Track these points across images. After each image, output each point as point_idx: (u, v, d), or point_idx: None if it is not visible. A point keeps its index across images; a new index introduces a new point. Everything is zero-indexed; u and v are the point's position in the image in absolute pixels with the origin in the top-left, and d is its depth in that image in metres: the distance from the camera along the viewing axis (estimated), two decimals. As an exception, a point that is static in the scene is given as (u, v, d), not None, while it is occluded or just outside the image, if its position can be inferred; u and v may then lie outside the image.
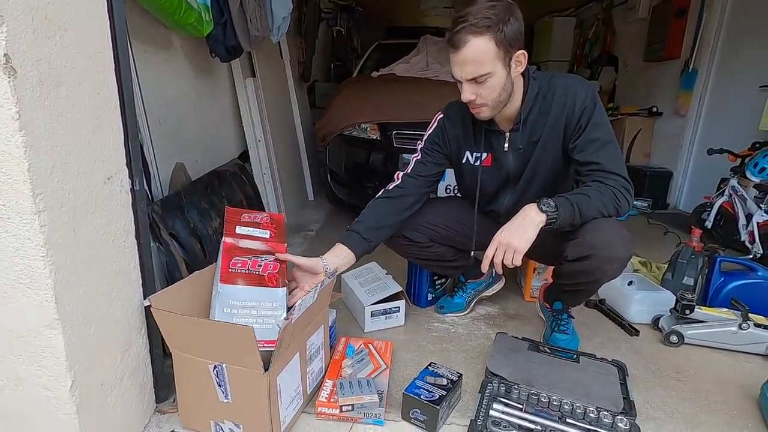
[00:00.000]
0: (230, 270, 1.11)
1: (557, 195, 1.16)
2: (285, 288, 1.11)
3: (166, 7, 1.42)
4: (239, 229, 1.18)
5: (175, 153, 1.84)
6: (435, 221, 1.48)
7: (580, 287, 1.32)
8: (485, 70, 1.12)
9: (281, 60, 3.19)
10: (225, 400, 1.01)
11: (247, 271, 1.11)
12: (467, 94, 1.17)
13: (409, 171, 1.42)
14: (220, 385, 1.00)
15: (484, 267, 1.19)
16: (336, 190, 2.83)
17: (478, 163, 1.38)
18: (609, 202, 1.15)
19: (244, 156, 2.58)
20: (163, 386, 1.16)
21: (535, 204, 1.14)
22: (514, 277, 1.98)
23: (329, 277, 1.21)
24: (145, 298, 1.06)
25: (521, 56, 1.16)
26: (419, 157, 1.43)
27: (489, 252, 1.15)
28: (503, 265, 1.15)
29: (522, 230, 1.12)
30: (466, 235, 1.51)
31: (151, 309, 0.98)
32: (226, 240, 1.15)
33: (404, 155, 2.45)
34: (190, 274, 1.34)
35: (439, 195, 1.73)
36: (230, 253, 1.13)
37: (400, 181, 1.41)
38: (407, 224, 1.45)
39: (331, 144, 2.73)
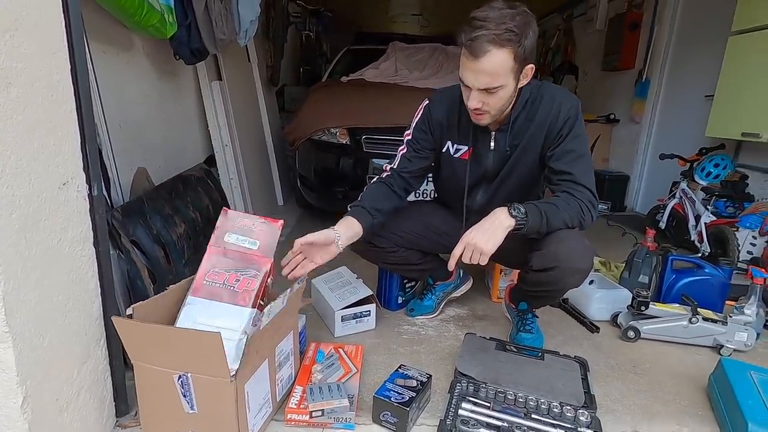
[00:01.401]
0: (205, 282, 1.09)
1: (527, 202, 1.19)
2: (255, 309, 1.08)
3: (126, 8, 1.38)
4: (228, 236, 1.15)
5: (137, 157, 1.78)
6: (399, 227, 1.49)
7: (544, 294, 1.37)
8: (499, 82, 1.12)
9: (249, 63, 3.14)
10: (190, 411, 0.98)
11: (221, 286, 1.09)
12: (475, 102, 1.17)
13: (397, 165, 1.43)
14: (185, 396, 0.97)
15: (451, 265, 1.22)
16: (306, 195, 2.81)
17: (457, 156, 1.39)
18: (575, 215, 1.20)
19: (211, 160, 2.52)
20: (124, 399, 1.11)
21: (506, 208, 1.16)
22: (481, 278, 2.02)
23: (338, 248, 1.25)
24: (104, 308, 1.02)
25: (530, 70, 1.17)
26: (405, 150, 1.42)
27: (456, 251, 1.17)
28: (470, 265, 1.18)
29: (491, 232, 1.14)
30: (432, 239, 1.53)
31: (113, 319, 0.95)
32: (211, 247, 1.13)
33: (374, 160, 2.47)
34: (153, 282, 1.31)
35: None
36: (211, 262, 1.12)
37: (388, 172, 1.43)
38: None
39: (300, 148, 2.71)
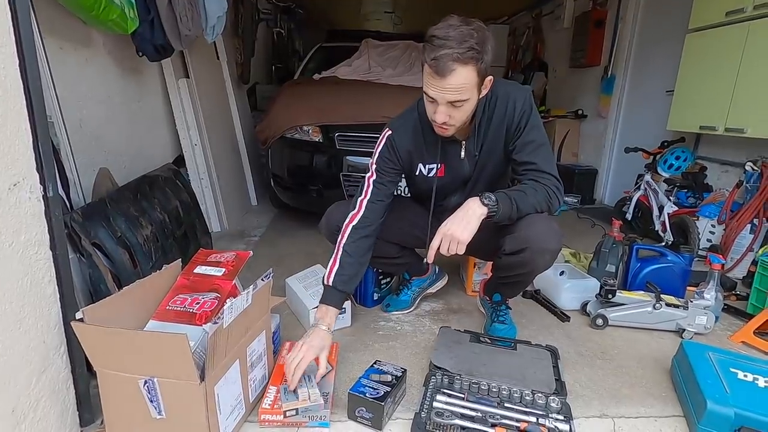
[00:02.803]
0: (167, 307, 1.13)
1: (497, 190, 1.23)
2: (208, 324, 1.05)
3: (82, 3, 1.33)
4: (198, 269, 1.23)
5: (99, 158, 1.72)
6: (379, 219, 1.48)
7: (517, 279, 1.40)
8: (465, 97, 1.15)
9: (218, 61, 3.08)
10: (158, 416, 0.95)
11: (182, 309, 1.12)
12: (442, 116, 1.19)
13: (369, 196, 1.36)
14: (152, 401, 0.94)
15: (430, 257, 1.24)
16: (279, 194, 2.77)
17: (431, 174, 1.41)
18: (542, 200, 1.25)
19: (179, 161, 2.46)
20: (89, 408, 1.07)
21: (478, 198, 1.20)
22: (456, 272, 2.04)
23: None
24: (64, 314, 0.98)
25: (488, 82, 1.20)
26: (374, 177, 1.38)
27: (434, 243, 1.20)
28: (448, 256, 1.20)
29: (465, 222, 1.18)
30: (410, 233, 1.54)
31: (72, 324, 0.91)
32: (180, 279, 1.21)
33: (348, 157, 2.45)
34: (118, 286, 1.27)
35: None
36: (177, 291, 1.17)
37: (363, 210, 1.35)
38: None
39: (273, 147, 2.67)
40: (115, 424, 1.00)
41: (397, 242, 1.57)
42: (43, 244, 0.92)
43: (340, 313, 1.55)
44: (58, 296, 0.97)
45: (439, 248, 1.20)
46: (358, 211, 1.35)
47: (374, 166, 1.40)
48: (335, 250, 1.34)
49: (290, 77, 3.99)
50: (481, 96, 1.22)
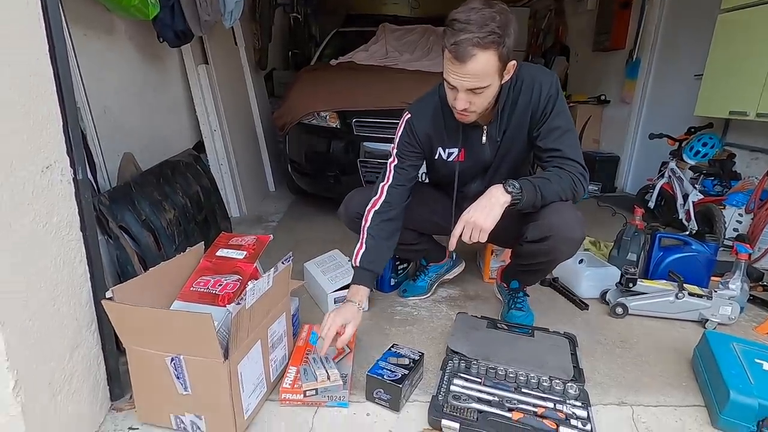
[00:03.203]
0: (191, 289, 1.16)
1: (521, 177, 1.21)
2: (231, 305, 1.10)
3: (105, -13, 1.34)
4: (220, 252, 1.25)
5: (122, 143, 1.76)
6: None
7: (538, 267, 1.39)
8: (486, 83, 1.13)
9: (236, 47, 3.08)
10: (184, 392, 0.99)
11: (205, 290, 1.15)
12: (462, 102, 1.17)
13: (390, 181, 1.37)
14: (178, 377, 0.98)
15: (452, 245, 1.23)
16: (297, 180, 2.79)
17: (451, 159, 1.39)
18: (567, 187, 1.22)
19: (199, 146, 2.50)
20: (119, 383, 1.12)
21: (501, 185, 1.18)
22: (473, 259, 2.04)
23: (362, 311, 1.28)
24: (94, 293, 1.02)
25: (512, 67, 1.16)
26: (396, 162, 1.39)
27: (457, 231, 1.19)
28: (470, 244, 1.20)
29: (488, 210, 1.16)
30: (429, 220, 1.54)
31: (102, 302, 0.95)
32: (203, 261, 1.23)
33: (365, 143, 2.45)
34: (144, 268, 1.31)
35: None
36: (200, 273, 1.20)
37: (385, 195, 1.35)
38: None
39: (290, 133, 2.68)
40: (144, 398, 1.05)
41: (415, 229, 1.57)
42: (74, 225, 0.96)
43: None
44: (89, 276, 1.01)
45: (461, 236, 1.19)
46: (380, 197, 1.36)
47: (395, 151, 1.39)
48: (360, 235, 1.35)
49: (307, 63, 3.98)
50: (503, 81, 1.19)
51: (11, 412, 0.80)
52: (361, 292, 1.30)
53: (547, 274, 1.51)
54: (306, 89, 2.70)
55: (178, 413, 1.02)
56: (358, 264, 1.33)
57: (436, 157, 1.41)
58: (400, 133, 1.39)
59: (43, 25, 0.87)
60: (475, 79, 1.11)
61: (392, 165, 1.39)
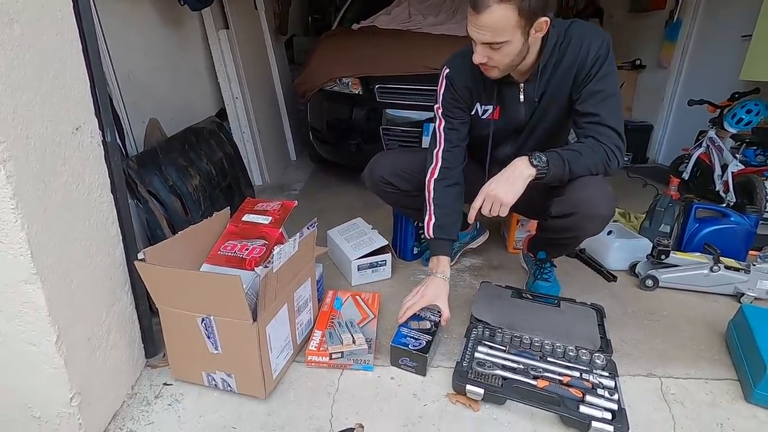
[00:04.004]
0: (219, 252, 1.17)
1: (549, 150, 1.15)
2: (259, 268, 1.09)
3: (125, -55, 1.31)
4: (246, 217, 1.26)
5: (147, 109, 1.76)
6: (421, 170, 1.45)
7: (564, 241, 1.34)
8: (503, 38, 1.06)
9: (256, 11, 3.01)
10: (215, 352, 1.02)
11: (232, 254, 1.16)
12: (479, 56, 1.12)
13: (443, 145, 1.33)
14: (209, 337, 1.00)
15: (471, 218, 1.20)
16: (318, 148, 2.77)
17: (485, 117, 1.33)
18: (600, 161, 1.15)
19: (222, 114, 2.49)
20: (152, 342, 1.16)
21: (527, 157, 1.13)
22: (497, 229, 2.01)
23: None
24: (126, 254, 1.04)
25: (543, 24, 1.08)
26: (444, 124, 1.34)
27: (476, 203, 1.16)
28: (490, 217, 1.16)
29: (510, 183, 1.12)
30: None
31: (135, 263, 0.97)
32: (229, 226, 1.24)
33: (388, 110, 2.39)
34: (173, 232, 1.33)
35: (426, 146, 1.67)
36: (227, 237, 1.21)
37: (441, 162, 1.33)
38: (393, 171, 1.45)
39: (311, 100, 2.65)
40: (177, 356, 1.09)
41: None
42: (105, 187, 0.97)
43: (380, 265, 1.58)
44: (121, 237, 1.03)
45: (480, 209, 1.15)
46: (437, 164, 1.33)
47: (440, 111, 1.34)
48: (427, 206, 1.33)
49: (327, 29, 3.86)
50: (531, 39, 1.11)
51: (55, 365, 0.84)
52: (443, 263, 1.30)
53: (574, 248, 1.46)
54: (327, 55, 2.63)
55: (210, 371, 1.06)
56: (432, 235, 1.31)
57: (472, 113, 1.35)
58: (441, 91, 1.34)
59: (67, -19, 0.85)
60: (491, 32, 1.06)
61: (441, 128, 1.34)
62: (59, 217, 0.82)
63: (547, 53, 1.18)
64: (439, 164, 1.33)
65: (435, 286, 1.25)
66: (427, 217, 1.33)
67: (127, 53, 1.67)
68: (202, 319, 0.99)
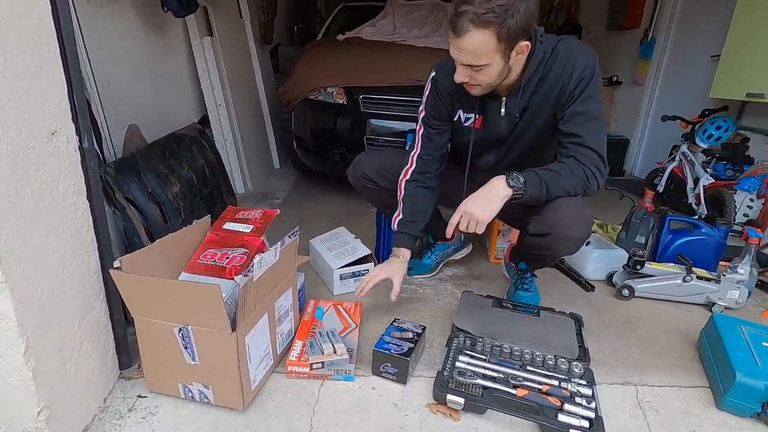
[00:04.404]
0: (198, 261, 1.16)
1: (528, 169, 1.17)
2: (239, 276, 1.09)
3: (108, -50, 1.30)
4: (227, 225, 1.26)
5: (127, 115, 1.73)
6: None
7: (541, 257, 1.38)
8: (483, 62, 1.09)
9: (241, 20, 3.01)
10: (192, 362, 1.00)
11: (212, 263, 1.15)
12: (460, 76, 1.15)
13: (419, 151, 1.39)
14: (186, 348, 0.98)
15: (449, 233, 1.22)
16: (302, 157, 2.76)
17: (467, 124, 1.35)
18: (578, 183, 1.17)
19: (204, 121, 2.47)
20: (127, 352, 1.13)
21: (505, 177, 1.15)
22: (479, 239, 2.03)
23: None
24: (102, 263, 1.01)
25: (524, 47, 1.10)
26: (422, 131, 1.38)
27: (454, 219, 1.19)
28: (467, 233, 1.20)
29: (487, 202, 1.14)
30: (443, 192, 1.51)
31: (110, 272, 0.94)
32: (209, 234, 1.24)
33: (372, 120, 2.41)
34: (151, 240, 1.31)
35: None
36: (207, 246, 1.20)
37: (414, 165, 1.39)
38: (376, 170, 1.48)
39: (296, 109, 2.64)
40: (152, 368, 1.06)
41: None
42: (81, 193, 0.95)
43: (362, 274, 1.58)
44: (96, 245, 1.00)
45: (458, 225, 1.18)
46: (410, 166, 1.40)
47: (422, 115, 1.39)
48: (398, 203, 1.42)
49: (313, 38, 3.89)
50: (513, 61, 1.13)
51: (23, 377, 0.80)
52: (403, 251, 1.40)
53: (551, 264, 1.50)
54: (312, 64, 2.65)
55: (186, 382, 1.03)
56: (396, 228, 1.41)
57: (455, 119, 1.37)
58: (426, 93, 1.37)
59: (46, -15, 0.84)
60: (471, 56, 1.09)
61: (420, 134, 1.40)
62: (31, 224, 0.80)
63: (532, 69, 1.19)
64: (413, 167, 1.40)
65: (393, 266, 1.38)
66: (396, 213, 1.42)
67: (108, 58, 1.64)
68: (180, 329, 0.97)
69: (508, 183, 1.14)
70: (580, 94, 1.17)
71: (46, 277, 0.84)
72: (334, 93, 2.47)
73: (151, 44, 2.01)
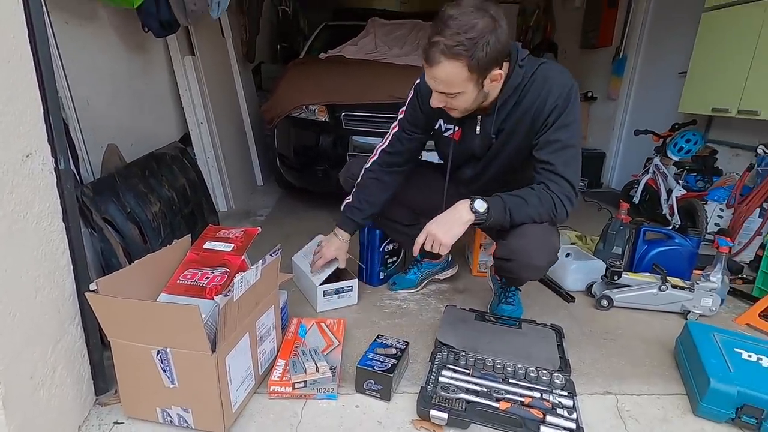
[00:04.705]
0: (178, 281, 1.15)
1: (495, 195, 1.20)
2: (219, 296, 1.08)
3: (87, -27, 1.31)
4: (207, 244, 1.25)
5: (106, 135, 1.72)
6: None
7: (510, 278, 1.44)
8: (456, 90, 1.12)
9: (223, 38, 3.04)
10: (171, 386, 0.98)
11: (192, 283, 1.14)
12: (436, 101, 1.18)
13: (385, 145, 1.46)
14: (164, 371, 0.96)
15: (415, 251, 1.25)
16: (285, 174, 2.77)
17: (447, 134, 1.38)
18: (546, 211, 1.19)
19: (185, 139, 2.46)
20: (103, 377, 1.10)
21: (468, 202, 1.18)
22: (462, 253, 2.05)
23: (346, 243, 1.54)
24: (77, 285, 1.00)
25: (497, 75, 1.12)
26: (396, 129, 1.43)
27: (420, 239, 1.23)
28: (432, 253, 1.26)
29: (449, 226, 1.19)
30: (422, 198, 1.54)
31: (86, 294, 0.93)
32: (189, 254, 1.23)
33: (354, 137, 2.44)
34: (129, 261, 1.29)
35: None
36: (187, 265, 1.19)
37: (377, 156, 1.47)
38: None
39: (278, 127, 2.66)
40: (129, 392, 1.03)
41: (411, 206, 1.57)
42: (56, 215, 0.93)
43: (346, 291, 1.58)
44: (72, 268, 0.98)
45: (424, 244, 1.22)
46: (374, 156, 1.48)
47: (401, 116, 1.43)
48: (353, 187, 1.51)
49: (295, 57, 3.93)
50: (487, 88, 1.15)
51: (-9, 406, 0.78)
52: (342, 232, 1.52)
53: (520, 286, 1.55)
54: (295, 82, 2.67)
55: (165, 406, 1.01)
56: (342, 210, 1.52)
57: (436, 127, 1.40)
58: (409, 98, 1.41)
59: (22, 7, 0.84)
60: (444, 84, 1.12)
61: (393, 131, 1.45)
62: (4, 247, 0.78)
63: (508, 93, 1.20)
64: (375, 157, 1.48)
65: (333, 246, 1.52)
66: (348, 197, 1.51)
67: (87, 78, 1.64)
68: (158, 352, 0.95)
69: (471, 208, 1.18)
70: (554, 122, 1.18)
71: (18, 301, 0.82)
72: (317, 110, 2.50)
73: (132, 64, 2.01)
